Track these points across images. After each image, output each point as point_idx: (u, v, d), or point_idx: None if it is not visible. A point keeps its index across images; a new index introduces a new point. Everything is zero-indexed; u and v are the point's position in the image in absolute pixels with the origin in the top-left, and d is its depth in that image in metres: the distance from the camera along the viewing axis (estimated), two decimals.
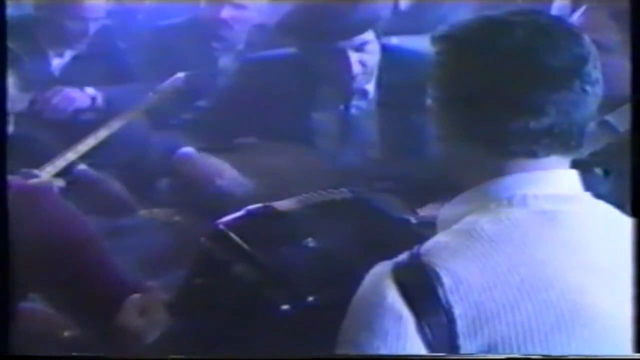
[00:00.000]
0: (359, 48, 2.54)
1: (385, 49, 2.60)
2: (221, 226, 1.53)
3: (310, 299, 1.40)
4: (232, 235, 1.50)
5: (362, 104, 2.61)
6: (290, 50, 2.67)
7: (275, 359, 1.46)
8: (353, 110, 2.62)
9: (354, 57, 2.54)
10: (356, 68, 2.55)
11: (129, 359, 1.71)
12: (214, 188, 2.55)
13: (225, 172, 2.58)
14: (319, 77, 2.61)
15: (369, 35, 2.55)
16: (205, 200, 2.50)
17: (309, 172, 2.46)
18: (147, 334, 1.67)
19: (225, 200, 2.46)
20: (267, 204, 1.57)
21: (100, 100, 2.80)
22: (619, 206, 1.47)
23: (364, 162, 2.57)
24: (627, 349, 1.37)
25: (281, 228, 1.53)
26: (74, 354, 1.76)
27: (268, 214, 1.56)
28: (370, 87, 2.61)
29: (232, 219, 1.54)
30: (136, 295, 1.74)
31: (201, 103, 2.77)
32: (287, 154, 2.54)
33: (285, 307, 1.40)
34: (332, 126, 2.63)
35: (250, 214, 1.56)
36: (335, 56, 2.54)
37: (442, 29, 1.42)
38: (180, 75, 2.76)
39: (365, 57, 2.56)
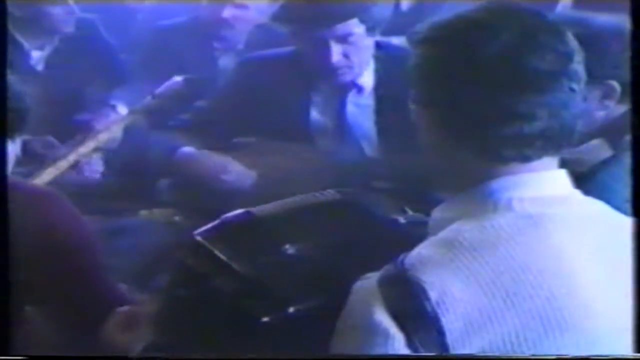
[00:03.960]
0: (342, 39, 2.47)
1: (380, 47, 2.56)
2: (197, 237, 1.49)
3: (291, 309, 1.36)
4: (209, 246, 1.46)
5: (359, 100, 2.59)
6: (287, 48, 2.64)
7: (273, 359, 1.46)
8: (350, 107, 2.58)
9: (335, 47, 2.47)
10: (336, 59, 2.48)
11: (129, 358, 1.71)
12: (220, 183, 2.55)
13: (229, 165, 2.56)
14: (310, 71, 2.56)
15: (357, 28, 2.47)
16: (206, 199, 2.49)
17: (308, 170, 2.46)
18: (130, 347, 1.66)
19: (231, 197, 2.45)
20: (246, 209, 1.52)
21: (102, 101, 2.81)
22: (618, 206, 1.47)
23: (361, 160, 2.56)
24: (626, 350, 1.37)
25: (259, 235, 1.49)
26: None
27: (246, 221, 1.51)
28: (366, 84, 2.58)
29: (208, 229, 1.50)
30: (121, 309, 1.73)
31: (199, 103, 2.77)
32: (285, 152, 2.54)
33: (265, 319, 1.36)
34: (328, 123, 2.60)
35: (226, 222, 1.51)
36: (317, 44, 2.48)
37: (421, 30, 1.40)
38: (178, 78, 2.76)
39: (349, 49, 2.49)
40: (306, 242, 1.45)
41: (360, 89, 2.58)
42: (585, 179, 1.47)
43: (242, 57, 2.86)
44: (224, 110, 2.65)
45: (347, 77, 2.55)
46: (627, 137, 1.73)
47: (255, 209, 1.52)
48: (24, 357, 1.74)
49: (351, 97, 2.59)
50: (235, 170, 2.55)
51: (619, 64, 1.70)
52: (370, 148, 2.58)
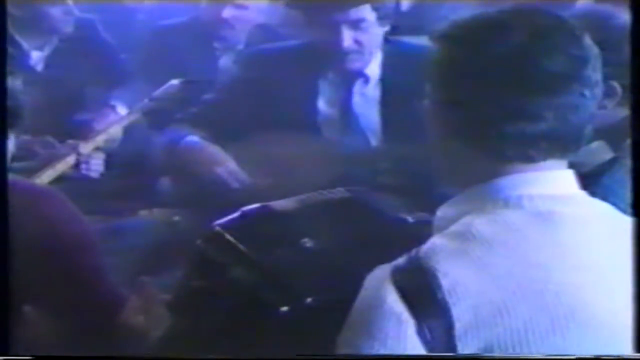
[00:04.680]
0: (354, 25, 2.48)
1: (388, 41, 2.56)
2: (217, 227, 1.52)
3: (309, 300, 1.39)
4: (228, 236, 1.49)
5: (365, 90, 2.58)
6: (294, 41, 2.65)
7: (275, 359, 1.46)
8: (356, 98, 2.59)
9: (347, 33, 2.48)
10: (348, 44, 2.49)
11: (129, 358, 1.71)
12: (212, 175, 2.53)
13: (226, 162, 2.55)
14: (320, 56, 2.56)
15: (369, 15, 2.49)
16: (205, 199, 2.49)
17: (314, 161, 2.45)
18: (150, 331, 1.67)
19: (224, 196, 2.45)
20: (263, 204, 1.56)
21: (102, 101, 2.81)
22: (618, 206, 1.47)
23: (366, 152, 2.56)
24: (627, 349, 1.37)
25: (278, 228, 1.52)
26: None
27: (264, 214, 1.54)
28: (373, 74, 2.58)
29: (228, 220, 1.53)
30: (136, 296, 1.74)
31: (206, 96, 2.75)
32: (291, 143, 2.53)
33: (284, 308, 1.39)
34: (335, 113, 2.60)
35: (246, 214, 1.54)
36: (329, 28, 2.49)
37: (441, 26, 1.41)
38: (175, 82, 2.76)
39: (360, 36, 2.50)
40: (323, 236, 1.47)
41: (367, 79, 2.58)
42: (589, 182, 1.47)
43: (249, 50, 2.86)
44: (231, 102, 2.63)
45: (356, 64, 2.55)
46: (628, 141, 1.73)
47: (272, 204, 1.55)
48: (24, 357, 1.73)
49: (357, 86, 2.59)
50: (229, 169, 2.53)
51: (622, 65, 1.70)
52: (375, 139, 2.59)
